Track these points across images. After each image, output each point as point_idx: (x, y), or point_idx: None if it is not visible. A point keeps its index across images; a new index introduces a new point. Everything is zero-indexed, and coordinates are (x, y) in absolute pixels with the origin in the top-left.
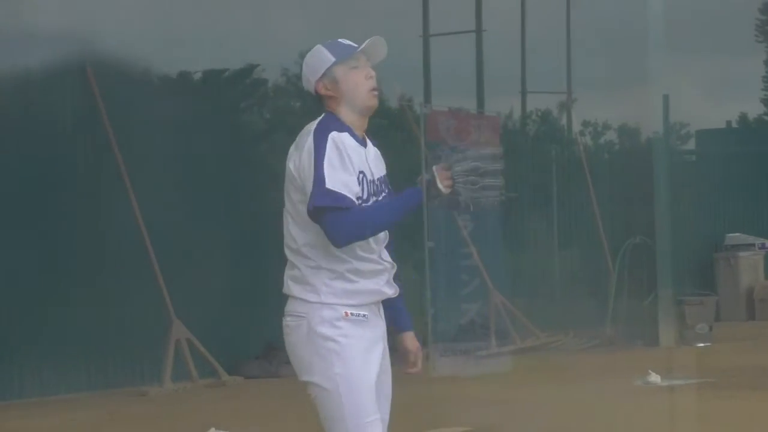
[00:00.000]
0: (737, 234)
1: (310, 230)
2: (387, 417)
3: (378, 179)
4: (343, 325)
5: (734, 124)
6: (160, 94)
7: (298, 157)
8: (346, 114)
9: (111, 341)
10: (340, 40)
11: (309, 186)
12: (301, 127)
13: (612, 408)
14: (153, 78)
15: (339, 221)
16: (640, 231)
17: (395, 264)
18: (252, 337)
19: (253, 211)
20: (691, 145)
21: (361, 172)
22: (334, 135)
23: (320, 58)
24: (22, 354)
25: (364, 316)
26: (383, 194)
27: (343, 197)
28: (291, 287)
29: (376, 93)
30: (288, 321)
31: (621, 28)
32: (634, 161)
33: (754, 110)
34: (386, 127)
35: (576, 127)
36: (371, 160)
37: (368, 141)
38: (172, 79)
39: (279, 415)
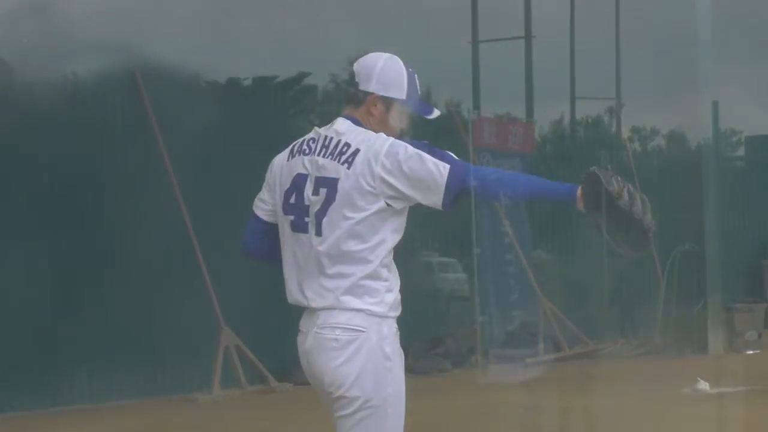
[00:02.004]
0: None
1: (380, 232)
2: None
3: None
4: (395, 342)
5: None
6: (209, 100)
7: (387, 159)
8: (361, 124)
9: (160, 348)
10: (415, 76)
11: (431, 181)
12: None
13: (661, 415)
14: (202, 84)
15: (488, 179)
16: (689, 238)
17: None
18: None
19: None
20: (740, 151)
21: None
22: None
23: (397, 83)
24: (72, 361)
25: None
26: None
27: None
28: (347, 299)
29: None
30: (338, 335)
31: (670, 34)
32: (684, 168)
33: None
34: (434, 131)
35: (625, 133)
36: None
37: None
38: (221, 85)
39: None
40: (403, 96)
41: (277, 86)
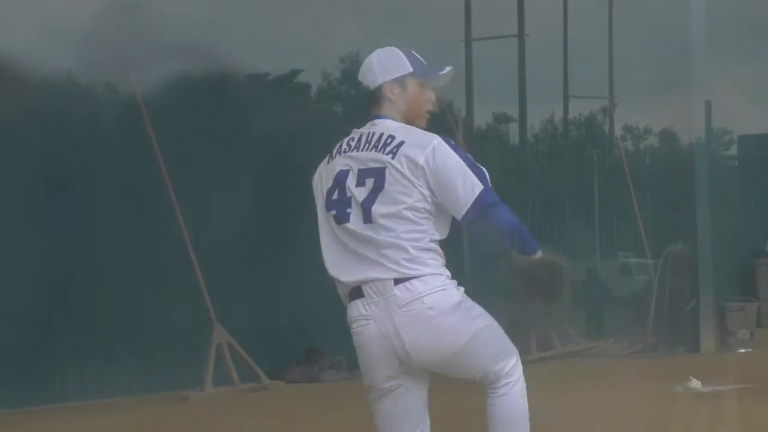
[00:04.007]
0: None
1: (429, 219)
2: None
3: None
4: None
5: None
6: (202, 97)
7: (432, 155)
8: (396, 119)
9: (152, 346)
10: (413, 52)
11: (460, 184)
12: (341, 130)
13: (652, 414)
14: (194, 81)
15: (505, 211)
16: (682, 237)
17: None
18: (293, 342)
19: (295, 215)
20: (733, 150)
21: None
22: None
23: (397, 61)
24: (63, 358)
25: None
26: None
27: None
28: (415, 269)
29: (428, 116)
30: (429, 302)
31: (663, 33)
32: (676, 167)
33: None
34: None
35: (618, 132)
36: None
37: None
38: (214, 82)
39: (320, 420)
40: (410, 68)
41: (270, 83)
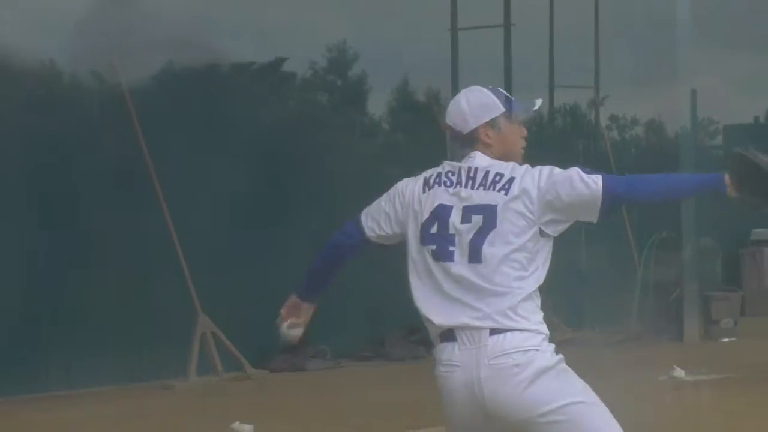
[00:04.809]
0: (763, 229)
1: (536, 259)
2: None
3: None
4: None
5: (762, 120)
6: (188, 86)
7: (539, 179)
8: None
9: (137, 335)
10: (499, 89)
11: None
12: (327, 120)
13: (637, 402)
14: (180, 70)
15: (639, 182)
16: (666, 226)
17: None
18: (277, 331)
19: (279, 204)
20: (718, 140)
21: None
22: None
23: (488, 103)
24: (48, 348)
25: None
26: None
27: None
28: (513, 321)
29: (523, 152)
30: (517, 359)
31: (649, 22)
32: (661, 156)
33: None
34: (413, 121)
35: (603, 121)
36: None
37: None
38: (199, 71)
39: (304, 409)
40: (502, 108)
41: (256, 72)
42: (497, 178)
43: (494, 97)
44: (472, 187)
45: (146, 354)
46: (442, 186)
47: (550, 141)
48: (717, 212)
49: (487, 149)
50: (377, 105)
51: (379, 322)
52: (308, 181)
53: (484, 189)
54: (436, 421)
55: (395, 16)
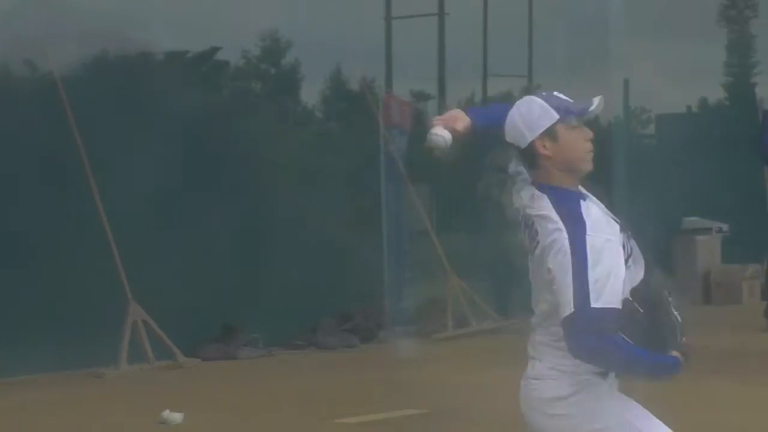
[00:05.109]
0: (695, 218)
1: None
2: None
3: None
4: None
5: (694, 109)
6: (120, 75)
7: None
8: (557, 174)
9: (67, 323)
10: (555, 93)
11: None
12: (260, 108)
13: None
14: (113, 59)
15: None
16: None
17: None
18: (209, 320)
19: (211, 192)
20: (650, 129)
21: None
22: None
23: (540, 112)
24: None
25: None
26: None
27: None
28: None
29: (591, 155)
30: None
31: (582, 12)
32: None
33: (714, 95)
34: (346, 109)
35: None
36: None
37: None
38: (132, 59)
39: (235, 397)
40: (556, 115)
41: (189, 61)
42: (534, 234)
43: (546, 105)
44: (526, 235)
45: (77, 342)
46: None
47: None
48: (649, 200)
49: (550, 162)
50: (310, 93)
51: (311, 310)
52: (241, 170)
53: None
54: (368, 409)
55: (329, 4)
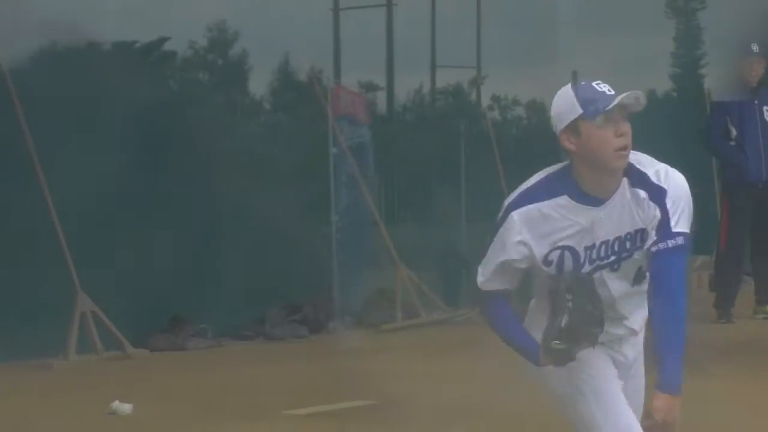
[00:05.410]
0: None
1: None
2: None
3: (613, 239)
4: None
5: (642, 101)
6: (69, 66)
7: None
8: (583, 171)
9: (14, 313)
10: (593, 84)
11: None
12: (207, 99)
13: (515, 380)
14: (59, 48)
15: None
16: None
17: None
18: (158, 311)
19: (159, 184)
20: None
21: (563, 247)
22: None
23: (567, 105)
24: None
25: None
26: (619, 254)
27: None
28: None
29: (624, 153)
30: None
31: (531, 3)
32: (542, 136)
33: (662, 86)
34: (295, 100)
35: (485, 102)
36: (605, 220)
37: (616, 195)
38: (78, 49)
39: (185, 388)
40: (579, 110)
41: (137, 51)
42: None
43: (574, 99)
44: None
45: (25, 332)
46: None
47: (432, 121)
48: None
49: (577, 158)
50: (258, 84)
51: (259, 301)
52: (189, 161)
53: None
54: (317, 400)
55: None
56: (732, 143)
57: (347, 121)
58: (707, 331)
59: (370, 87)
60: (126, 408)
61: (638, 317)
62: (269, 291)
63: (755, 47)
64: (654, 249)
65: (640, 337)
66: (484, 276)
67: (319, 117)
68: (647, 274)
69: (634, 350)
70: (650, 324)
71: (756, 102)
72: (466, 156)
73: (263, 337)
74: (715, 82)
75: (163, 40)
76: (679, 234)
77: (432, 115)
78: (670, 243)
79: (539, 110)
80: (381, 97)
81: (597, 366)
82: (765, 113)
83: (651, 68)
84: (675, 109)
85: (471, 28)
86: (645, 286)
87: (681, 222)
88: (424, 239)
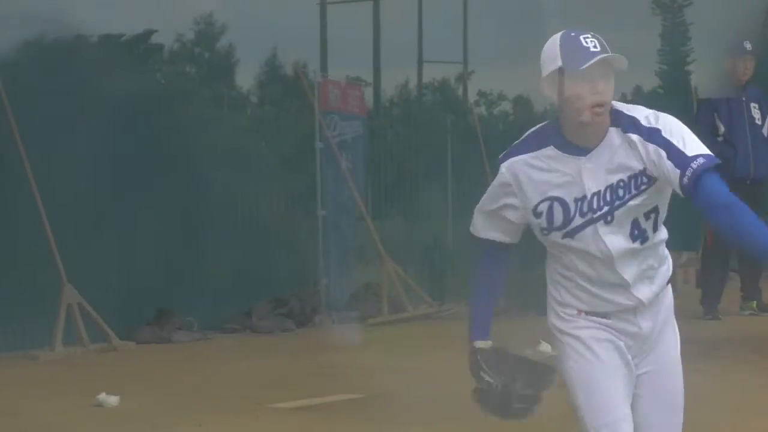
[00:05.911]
0: None
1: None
2: None
3: (605, 189)
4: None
5: (629, 97)
6: (55, 59)
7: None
8: (565, 121)
9: (1, 305)
10: (581, 37)
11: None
12: (194, 92)
13: None
14: (47, 41)
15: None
16: None
17: None
18: (144, 303)
19: (146, 177)
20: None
21: (552, 198)
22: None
23: (550, 56)
24: None
25: None
26: (612, 204)
27: None
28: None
29: (599, 110)
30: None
31: None
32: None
33: (648, 83)
34: (282, 94)
35: (472, 97)
36: (593, 169)
37: (602, 144)
38: (66, 42)
39: (169, 381)
40: (559, 62)
41: (124, 44)
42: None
43: (558, 48)
44: None
45: (11, 324)
46: None
47: (418, 116)
48: None
49: (558, 106)
50: (245, 78)
51: (246, 294)
52: (176, 154)
53: None
54: (302, 393)
55: None
56: (719, 140)
57: (338, 116)
58: (694, 328)
59: (357, 82)
60: (112, 400)
61: (644, 288)
62: (256, 284)
63: (748, 45)
64: (685, 182)
65: (658, 310)
66: (475, 223)
67: (305, 111)
68: (648, 233)
69: (651, 320)
70: (735, 249)
71: (744, 99)
72: (452, 151)
73: (249, 331)
74: (702, 78)
75: (149, 32)
76: (695, 156)
77: (419, 110)
78: (694, 165)
79: (526, 105)
80: (368, 92)
81: (598, 357)
82: (753, 110)
83: (637, 65)
84: (661, 105)
85: (458, 24)
86: (647, 248)
87: (690, 145)
88: (411, 234)
